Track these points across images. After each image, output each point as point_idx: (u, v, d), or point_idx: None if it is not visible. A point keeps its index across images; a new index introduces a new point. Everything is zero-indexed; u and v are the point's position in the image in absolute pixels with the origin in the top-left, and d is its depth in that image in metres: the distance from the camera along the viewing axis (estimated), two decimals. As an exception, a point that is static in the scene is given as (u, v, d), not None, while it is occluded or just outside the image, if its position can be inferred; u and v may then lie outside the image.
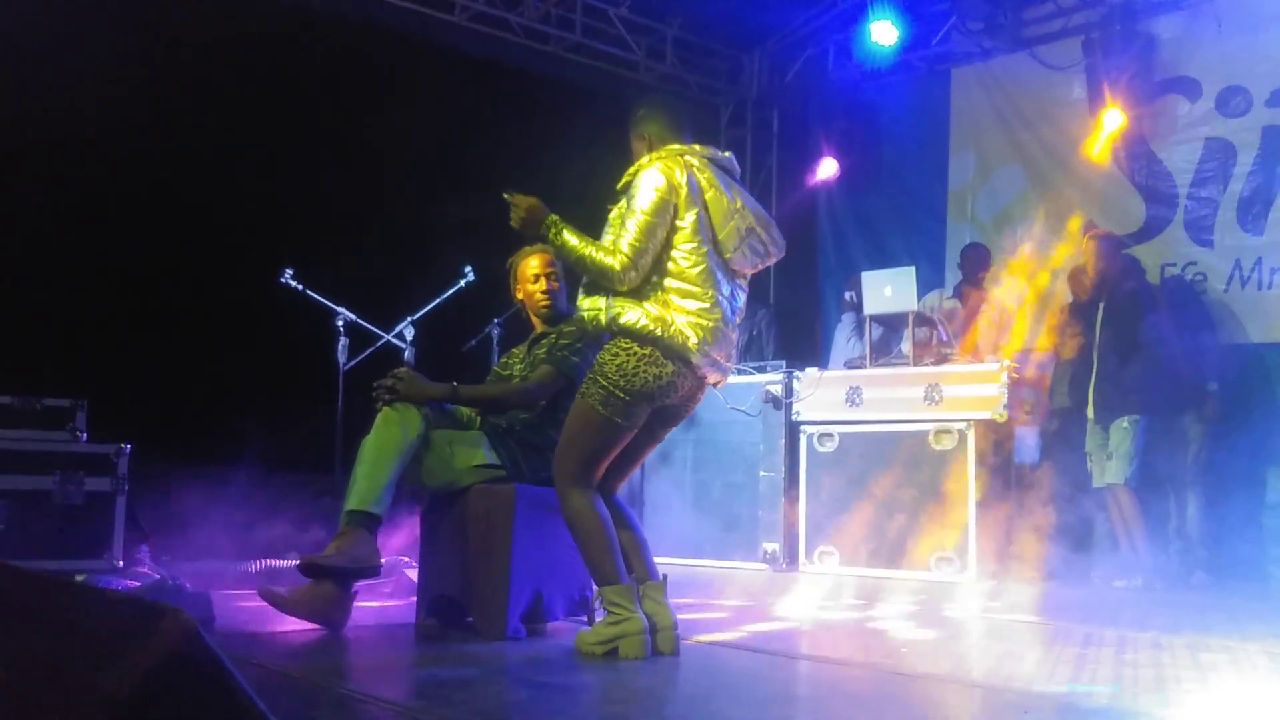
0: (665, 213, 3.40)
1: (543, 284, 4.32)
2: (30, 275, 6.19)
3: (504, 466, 4.06)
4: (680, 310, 3.43)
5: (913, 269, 6.76)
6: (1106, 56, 7.61)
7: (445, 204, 7.65)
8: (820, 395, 6.93)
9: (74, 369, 5.91)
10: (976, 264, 7.32)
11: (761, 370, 7.39)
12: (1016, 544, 6.53)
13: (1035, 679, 3.21)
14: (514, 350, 4.53)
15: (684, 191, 3.42)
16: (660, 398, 3.49)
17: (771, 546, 6.97)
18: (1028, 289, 7.41)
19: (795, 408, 7.03)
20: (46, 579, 1.17)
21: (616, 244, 3.40)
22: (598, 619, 3.64)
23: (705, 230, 3.46)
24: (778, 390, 7.10)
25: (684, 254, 3.44)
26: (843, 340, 7.99)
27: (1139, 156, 7.58)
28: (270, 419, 6.63)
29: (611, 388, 3.43)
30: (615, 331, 3.45)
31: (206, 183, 6.87)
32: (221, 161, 6.92)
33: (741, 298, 3.63)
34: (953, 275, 8.16)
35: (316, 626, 3.83)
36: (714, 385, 3.64)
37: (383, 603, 4.92)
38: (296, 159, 7.20)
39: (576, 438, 3.55)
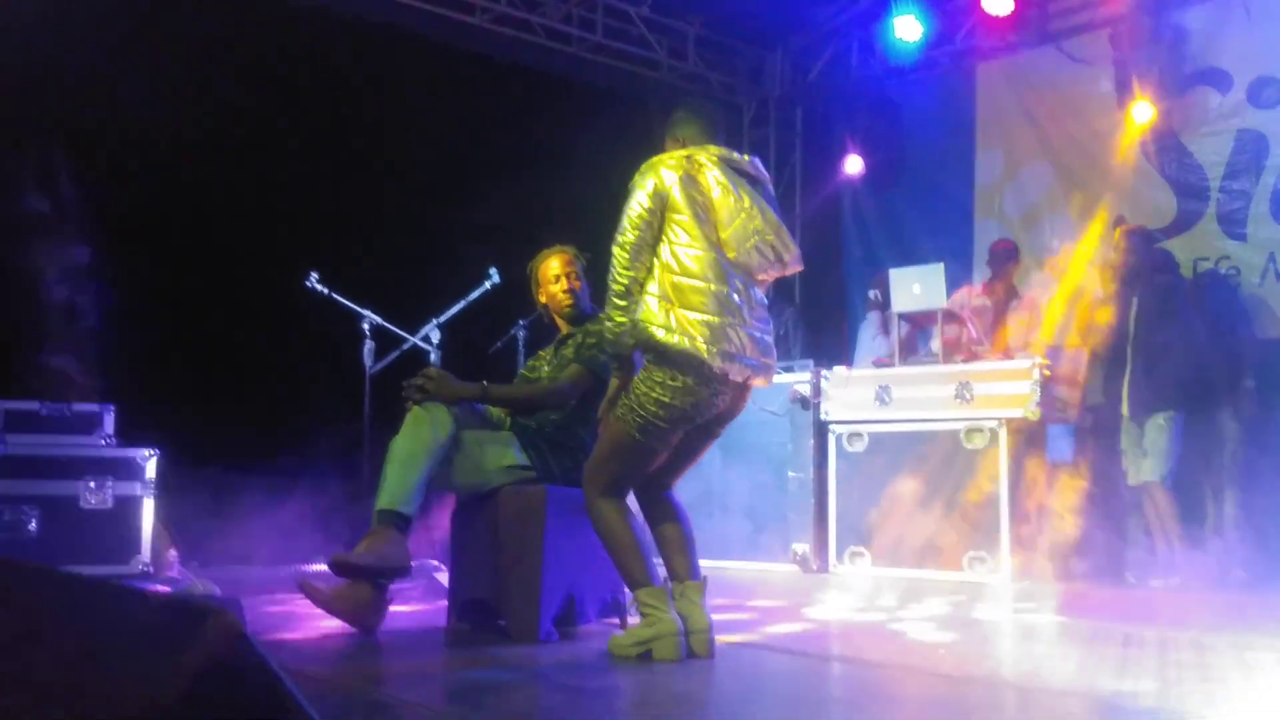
0: (655, 208, 3.39)
1: (564, 284, 4.29)
2: (61, 282, 6.20)
3: (534, 467, 4.03)
4: (688, 307, 3.38)
5: (941, 266, 6.69)
6: (1135, 49, 7.54)
7: (469, 206, 7.63)
8: (849, 394, 6.87)
9: (103, 374, 5.91)
10: (1005, 260, 7.25)
11: (789, 370, 7.33)
12: (1050, 543, 6.45)
13: (1078, 680, 3.15)
14: (541, 353, 4.50)
15: (673, 190, 3.40)
16: (698, 416, 3.47)
17: (801, 548, 6.92)
18: (1058, 285, 7.33)
19: (824, 407, 6.97)
20: (83, 580, 1.13)
21: (614, 252, 3.43)
22: (631, 622, 3.60)
23: (708, 226, 3.43)
24: (805, 390, 7.04)
25: (684, 249, 3.41)
26: (868, 339, 7.93)
27: (1169, 150, 7.49)
28: (297, 422, 6.62)
29: (651, 417, 3.41)
30: (638, 342, 3.42)
31: (233, 186, 6.87)
32: (247, 166, 6.92)
33: (757, 296, 3.57)
34: (981, 272, 8.07)
35: (348, 627, 3.80)
36: (760, 384, 3.58)
37: (413, 606, 4.89)
38: (321, 163, 7.19)
39: (609, 459, 3.54)
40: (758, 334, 3.52)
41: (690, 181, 3.43)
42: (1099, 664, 3.43)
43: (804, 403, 7.03)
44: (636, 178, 3.50)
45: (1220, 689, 3.04)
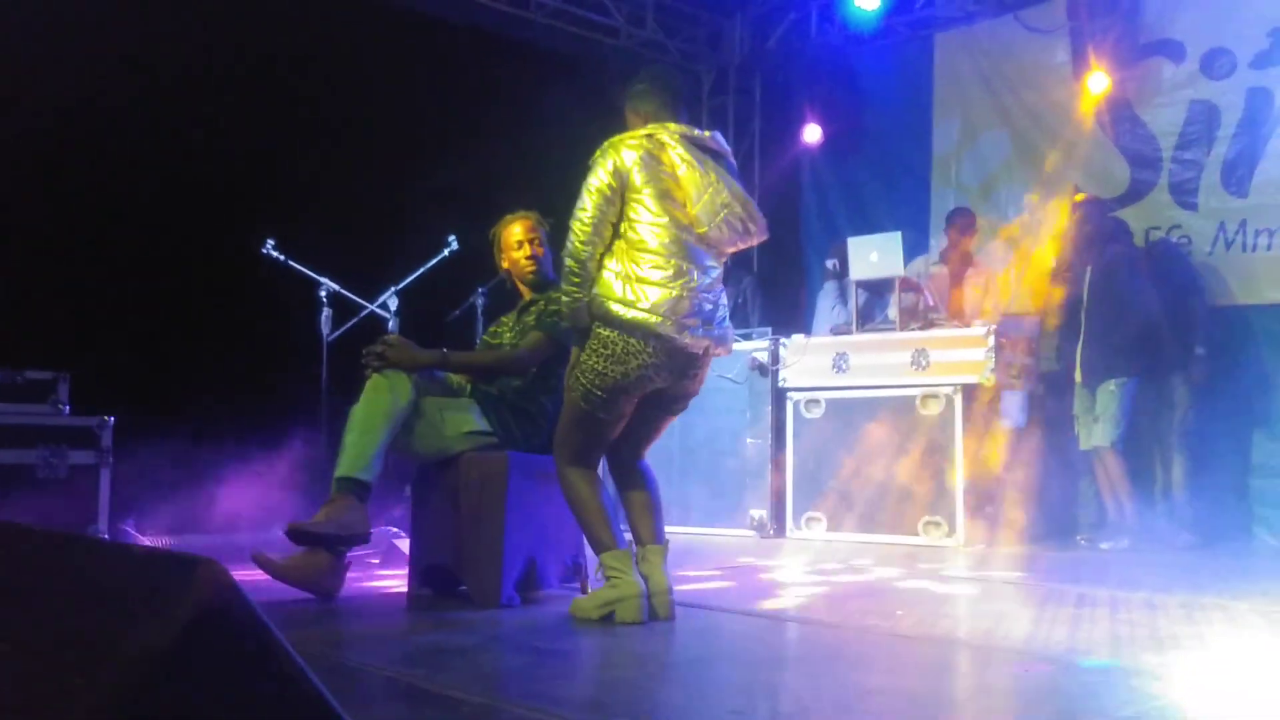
0: (614, 188, 3.44)
1: (527, 249, 4.28)
2: (10, 248, 6.10)
3: (495, 433, 4.03)
4: (645, 281, 3.43)
5: (899, 234, 6.73)
6: (1091, 19, 7.59)
7: (427, 173, 7.57)
8: (806, 362, 6.92)
9: (55, 341, 5.83)
10: (962, 229, 7.30)
11: (747, 338, 7.37)
12: (1004, 507, 6.55)
13: (1032, 639, 3.21)
14: (502, 319, 4.49)
15: (634, 171, 3.44)
16: (638, 388, 3.51)
17: (758, 513, 6.98)
18: (1013, 253, 7.42)
19: (781, 374, 7.02)
20: (63, 536, 1.13)
21: (572, 226, 3.48)
22: (593, 587, 3.63)
23: (672, 203, 3.47)
24: (764, 357, 7.08)
25: (646, 226, 3.46)
26: (826, 308, 7.97)
27: (1123, 120, 7.56)
28: (254, 390, 6.56)
29: (589, 385, 3.49)
30: (594, 315, 3.47)
31: (187, 152, 6.77)
32: (202, 131, 6.81)
33: (716, 272, 3.61)
34: (938, 240, 8.13)
35: (308, 595, 3.80)
36: (717, 354, 3.62)
37: (373, 574, 4.89)
38: (277, 128, 7.10)
39: (568, 430, 3.63)
40: (714, 306, 3.57)
41: (652, 160, 3.47)
42: (1052, 623, 3.50)
43: (762, 370, 7.07)
44: (597, 156, 3.53)
45: (1171, 646, 3.11)
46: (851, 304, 6.99)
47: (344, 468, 3.80)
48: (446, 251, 6.22)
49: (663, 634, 3.36)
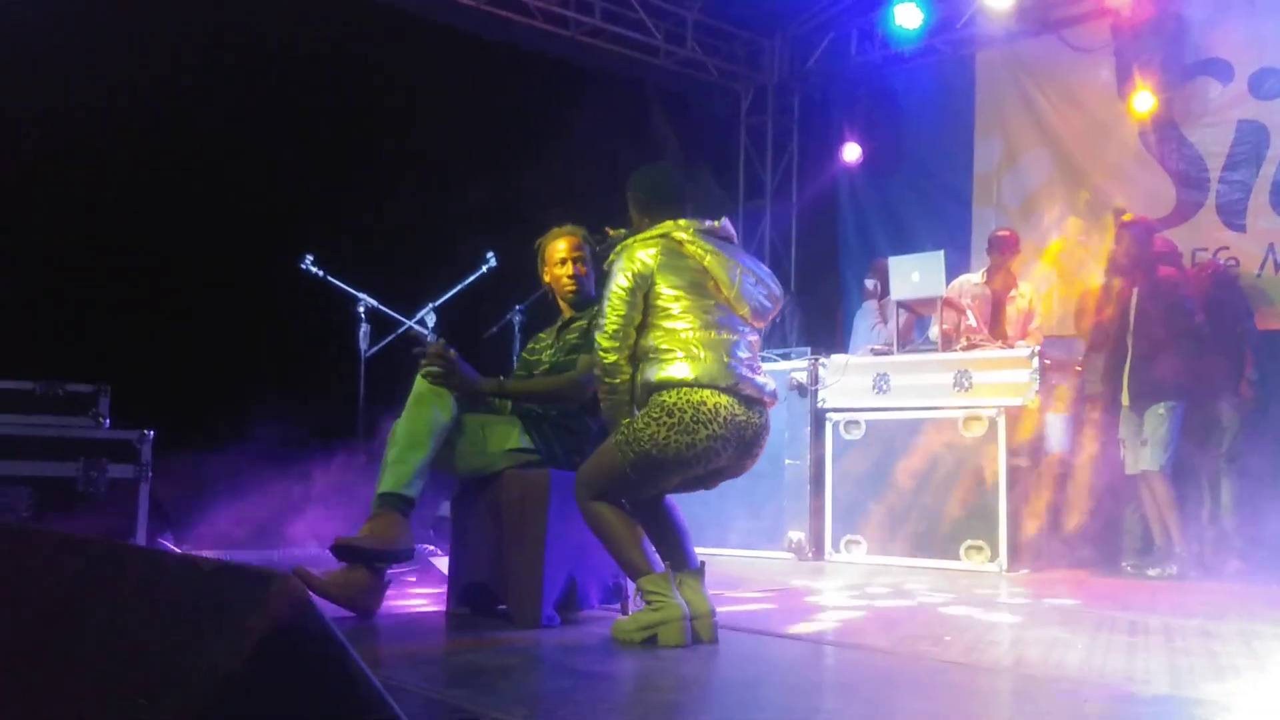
0: (635, 292, 3.48)
1: (569, 268, 4.22)
2: (53, 261, 6.13)
3: (538, 450, 3.98)
4: (693, 351, 3.44)
5: (941, 253, 6.66)
6: (1136, 39, 7.51)
7: (466, 189, 7.57)
8: (846, 382, 6.84)
9: (95, 354, 5.84)
10: (1005, 249, 7.20)
11: (786, 357, 7.30)
12: (1047, 532, 6.44)
13: (1087, 668, 3.12)
14: (541, 335, 4.43)
15: (655, 271, 3.48)
16: (699, 464, 3.46)
17: (797, 535, 6.89)
18: (1057, 274, 7.32)
19: (821, 395, 6.94)
20: (125, 548, 1.08)
21: (598, 332, 3.53)
22: (634, 609, 3.57)
23: (703, 292, 3.51)
24: (803, 377, 7.01)
25: (682, 311, 3.47)
26: (865, 328, 7.90)
27: (1169, 140, 7.47)
28: (293, 406, 6.55)
29: (644, 452, 3.41)
30: (650, 387, 3.44)
31: (228, 168, 6.79)
32: (243, 147, 6.84)
33: (755, 337, 3.66)
34: (978, 261, 8.05)
35: (346, 613, 3.75)
36: (769, 405, 3.60)
37: (410, 592, 4.85)
38: (318, 146, 7.12)
39: (602, 480, 3.52)
40: (759, 371, 3.58)
41: (672, 255, 3.52)
42: (1107, 651, 3.40)
43: (801, 390, 6.99)
44: (614, 260, 3.59)
45: (1232, 675, 3.02)
46: (893, 324, 6.91)
47: (387, 484, 3.75)
48: (485, 268, 6.20)
49: (707, 657, 3.29)
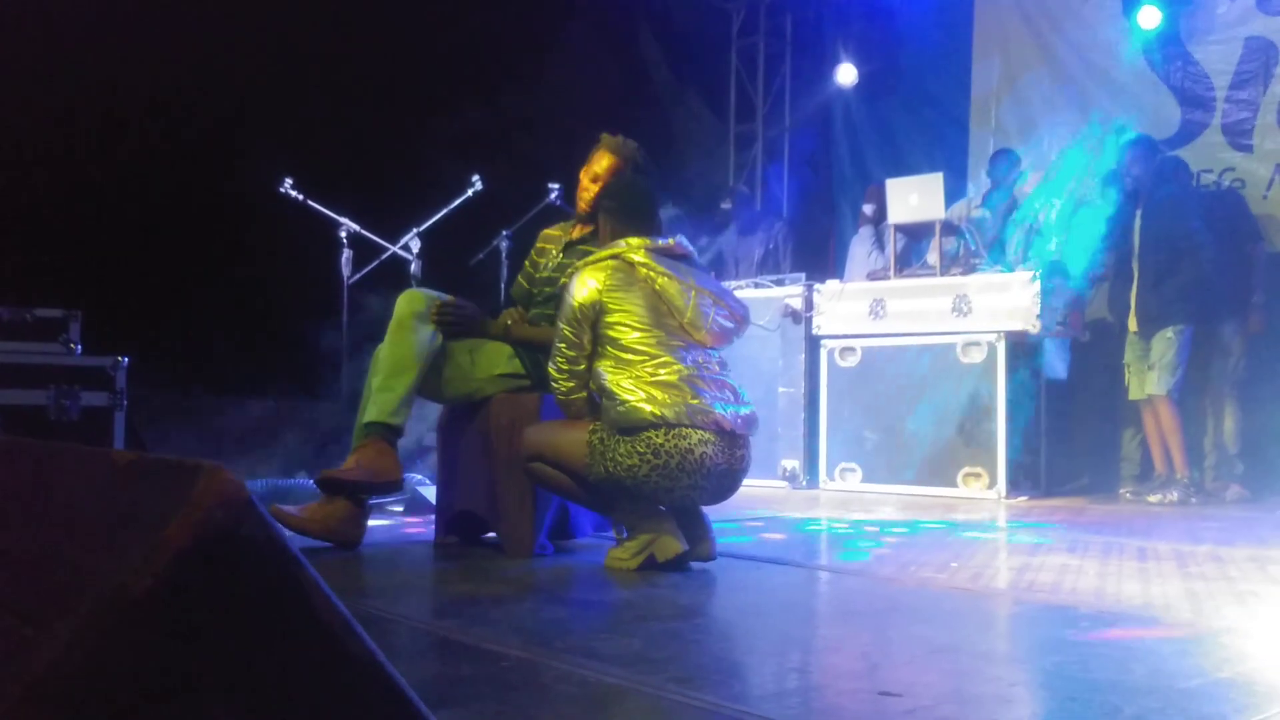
0: (583, 322, 3.36)
1: (596, 189, 3.97)
2: (22, 183, 5.89)
3: (528, 374, 3.82)
4: (650, 383, 3.29)
5: (940, 175, 6.48)
6: (1141, -48, 7.25)
7: (451, 112, 7.33)
8: (841, 308, 6.69)
9: (65, 279, 5.63)
10: (1006, 171, 7.00)
11: (779, 284, 7.14)
12: (1047, 459, 6.34)
13: (1102, 594, 3.00)
14: (549, 233, 4.15)
15: (604, 294, 3.36)
16: (663, 501, 3.32)
17: (791, 464, 6.78)
18: (1059, 197, 7.14)
19: (815, 321, 6.79)
20: (24, 443, 0.90)
21: (550, 363, 3.46)
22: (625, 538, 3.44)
23: (657, 314, 3.37)
24: (797, 304, 6.85)
25: (636, 337, 3.33)
26: (861, 254, 7.72)
27: (1174, 58, 7.24)
28: (272, 333, 6.38)
29: (616, 478, 3.27)
30: (626, 425, 3.28)
31: (204, 87, 6.54)
32: (219, 67, 6.58)
33: (715, 359, 3.49)
34: (975, 185, 7.86)
35: (330, 545, 3.61)
36: (747, 431, 3.44)
37: (395, 521, 4.72)
38: (295, 64, 6.85)
39: (559, 459, 3.40)
40: (732, 401, 3.40)
41: (624, 278, 3.39)
42: (1119, 578, 3.28)
43: (795, 317, 6.84)
44: (567, 281, 3.52)
45: (1253, 601, 2.90)
46: (890, 248, 6.73)
47: (373, 413, 3.60)
48: (470, 192, 6.01)
49: (705, 586, 3.16)
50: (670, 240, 3.53)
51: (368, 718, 0.67)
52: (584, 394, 3.45)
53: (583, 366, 3.40)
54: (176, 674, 0.64)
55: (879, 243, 7.32)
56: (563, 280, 3.57)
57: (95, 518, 0.72)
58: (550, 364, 3.45)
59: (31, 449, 0.89)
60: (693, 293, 3.43)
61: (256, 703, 0.65)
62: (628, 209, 3.58)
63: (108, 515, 0.71)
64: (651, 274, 3.40)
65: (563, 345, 3.40)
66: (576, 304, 3.37)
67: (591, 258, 3.50)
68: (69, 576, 0.68)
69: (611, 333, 3.35)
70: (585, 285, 3.38)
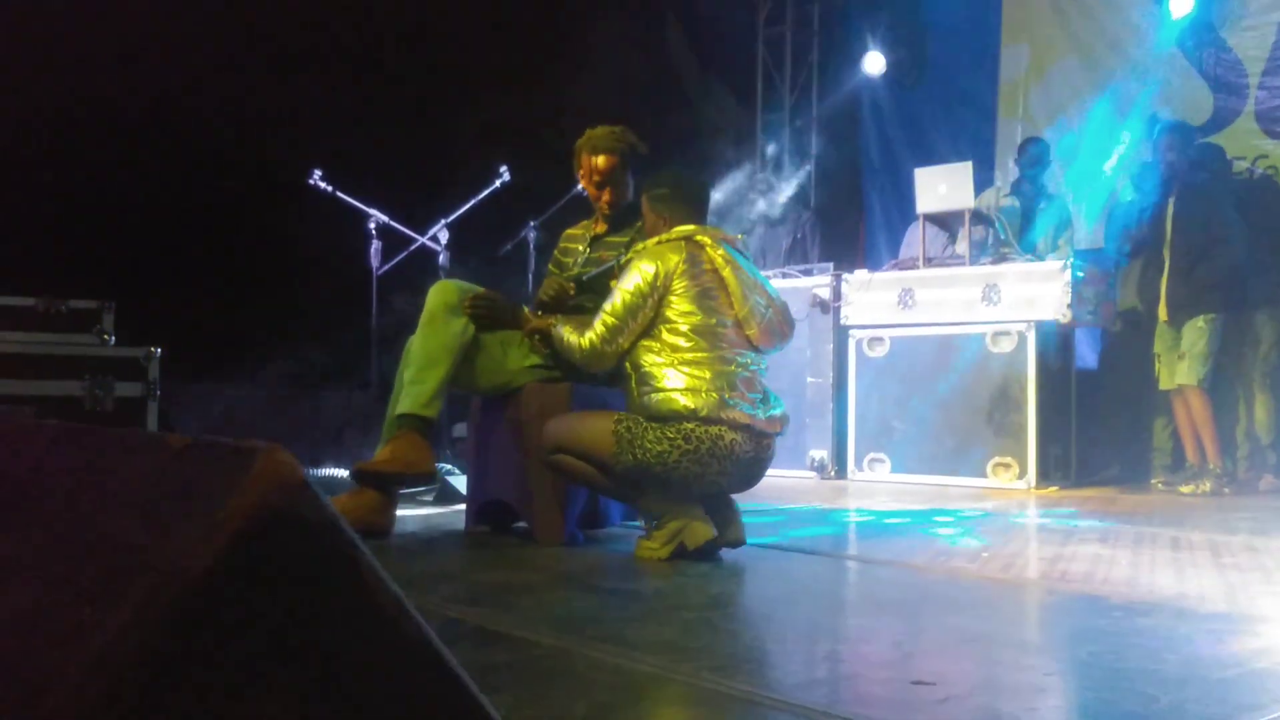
0: (650, 295, 3.34)
1: (608, 195, 3.97)
2: (57, 176, 5.95)
3: (559, 366, 3.82)
4: (697, 374, 3.29)
5: (969, 164, 6.43)
6: (1173, -63, 7.18)
7: (479, 103, 7.34)
8: (870, 298, 6.66)
9: (99, 271, 5.68)
10: (1036, 160, 6.95)
11: (808, 273, 7.12)
12: (1077, 449, 6.30)
13: (1135, 584, 2.98)
14: (572, 233, 4.16)
15: (676, 275, 3.34)
16: (694, 488, 3.32)
17: (819, 454, 6.76)
18: (1088, 184, 7.09)
19: (843, 311, 6.76)
20: (80, 428, 0.92)
21: (593, 322, 3.41)
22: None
23: (714, 302, 3.37)
24: (825, 294, 6.83)
25: (689, 324, 3.33)
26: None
27: (1207, 44, 7.16)
28: (301, 324, 6.41)
29: (646, 465, 3.26)
30: (655, 415, 3.28)
31: (235, 81, 6.58)
32: (250, 60, 6.62)
33: (764, 363, 3.50)
34: (1003, 173, 7.81)
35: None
36: (774, 431, 3.43)
37: (426, 510, 4.74)
38: (326, 57, 6.89)
39: (582, 450, 3.37)
40: (764, 404, 3.40)
41: (694, 261, 3.38)
42: (1153, 568, 3.27)
43: (823, 306, 6.82)
44: (635, 257, 3.44)
45: (1289, 592, 2.88)
46: (920, 237, 6.69)
47: (406, 404, 3.61)
48: (498, 183, 6.01)
49: (735, 575, 3.17)
50: (739, 236, 3.58)
51: (422, 699, 0.68)
52: (608, 367, 3.44)
53: (625, 343, 3.37)
54: (233, 655, 0.65)
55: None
56: (629, 255, 3.51)
57: (153, 500, 0.73)
58: (599, 323, 3.38)
59: (90, 434, 0.90)
60: (755, 290, 3.44)
61: (311, 683, 0.66)
62: (681, 197, 3.57)
63: (165, 498, 0.72)
64: (720, 263, 3.40)
65: (612, 318, 3.36)
66: (649, 276, 3.34)
67: (663, 236, 3.47)
68: (127, 558, 0.69)
69: (669, 312, 3.35)
70: (662, 257, 3.36)
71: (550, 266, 4.21)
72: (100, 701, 0.59)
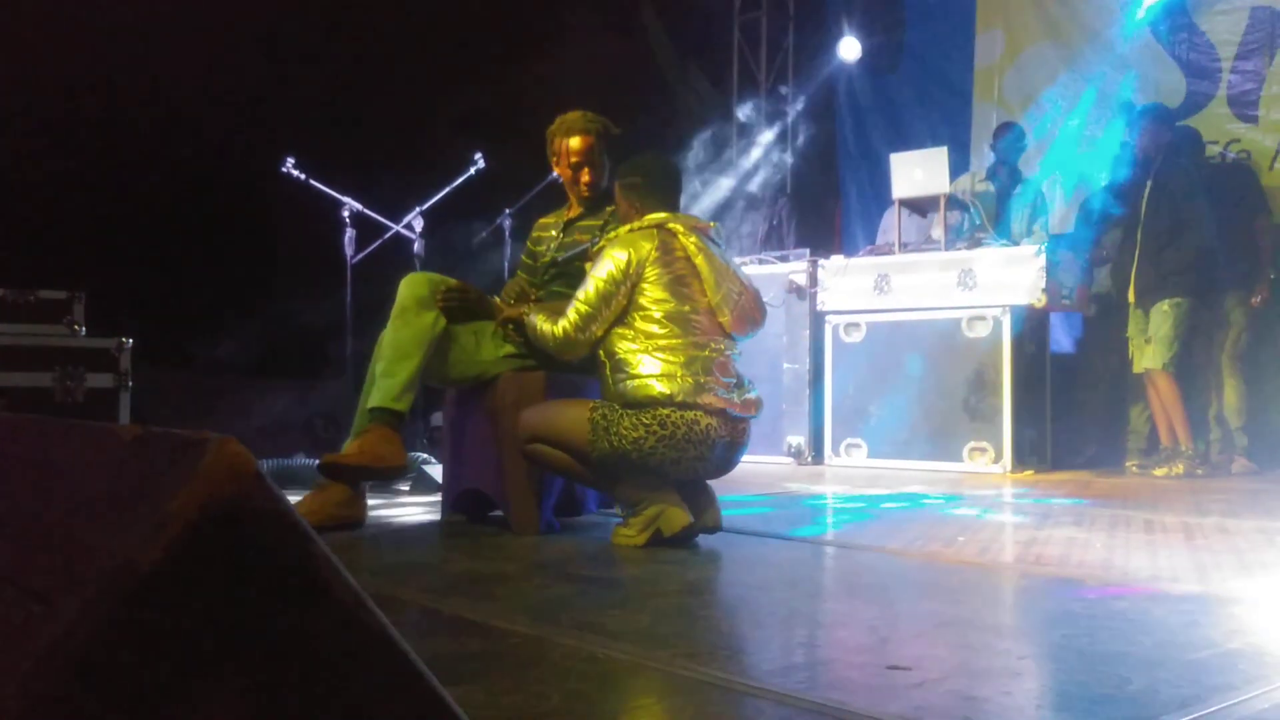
0: (622, 283, 3.34)
1: (586, 175, 3.94)
2: (25, 165, 5.88)
3: (533, 354, 3.80)
4: (671, 360, 3.30)
5: (944, 149, 6.44)
6: (1146, -79, 7.20)
7: (452, 90, 7.30)
8: (846, 283, 6.67)
9: (69, 261, 5.62)
10: (1011, 144, 6.97)
11: (784, 259, 7.12)
12: (1053, 433, 6.33)
13: (1110, 567, 2.99)
14: (544, 222, 4.14)
15: (648, 263, 3.35)
16: (669, 474, 3.32)
17: (796, 440, 6.77)
18: (1062, 169, 7.11)
19: (819, 297, 6.77)
20: (24, 418, 0.89)
21: (566, 309, 3.41)
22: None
23: (686, 289, 3.38)
24: (801, 279, 6.83)
25: (661, 311, 3.34)
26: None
27: (1180, 28, 7.19)
28: (275, 313, 6.37)
29: (622, 452, 3.26)
30: (629, 401, 3.29)
31: (206, 68, 6.51)
32: (221, 47, 6.56)
33: (738, 348, 3.50)
34: (978, 158, 7.83)
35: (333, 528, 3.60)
36: (749, 414, 3.44)
37: (401, 500, 4.72)
38: (298, 43, 6.83)
39: (557, 438, 3.37)
40: (740, 388, 3.41)
41: (666, 249, 3.39)
42: (1127, 550, 3.28)
43: (799, 292, 6.83)
44: (607, 245, 3.44)
45: (1260, 572, 2.89)
46: (895, 223, 6.70)
47: (376, 398, 3.58)
48: (472, 170, 5.99)
49: (711, 561, 3.16)
50: (712, 223, 3.58)
51: (380, 691, 0.66)
52: (581, 355, 3.45)
53: (598, 330, 3.38)
54: (185, 648, 0.64)
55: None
56: (601, 243, 3.51)
57: (102, 493, 0.71)
58: (571, 311, 3.38)
59: (37, 424, 0.88)
60: (726, 276, 3.45)
61: (266, 676, 0.64)
62: (654, 185, 3.57)
63: (115, 490, 0.70)
64: (693, 250, 3.41)
65: (585, 305, 3.36)
66: (622, 264, 3.34)
67: (635, 224, 3.48)
68: (76, 552, 0.67)
69: (642, 299, 3.35)
70: (632, 246, 3.37)
71: (523, 256, 4.19)
72: (49, 698, 0.58)
